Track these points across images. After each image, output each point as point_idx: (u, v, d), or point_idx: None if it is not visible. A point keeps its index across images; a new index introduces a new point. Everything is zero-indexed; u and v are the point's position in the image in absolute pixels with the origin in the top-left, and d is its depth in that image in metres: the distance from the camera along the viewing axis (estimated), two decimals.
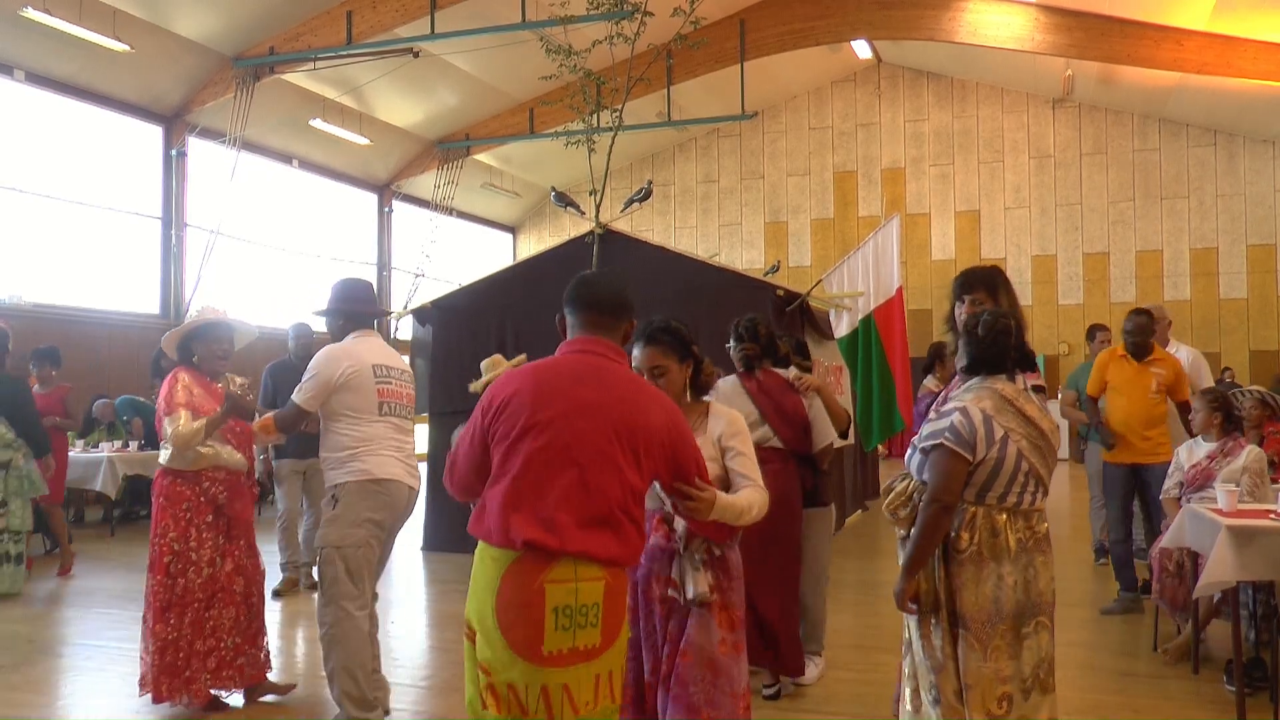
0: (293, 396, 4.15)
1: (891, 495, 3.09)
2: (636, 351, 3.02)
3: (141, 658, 4.47)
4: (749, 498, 2.84)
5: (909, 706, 3.09)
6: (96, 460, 9.56)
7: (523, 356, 5.24)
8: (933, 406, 3.25)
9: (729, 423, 3.02)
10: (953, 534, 2.95)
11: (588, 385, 2.49)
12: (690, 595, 2.93)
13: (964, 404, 2.98)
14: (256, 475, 5.05)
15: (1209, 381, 6.12)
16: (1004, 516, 2.94)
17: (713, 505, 2.64)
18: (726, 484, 2.96)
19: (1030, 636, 2.94)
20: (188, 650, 4.35)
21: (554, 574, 2.34)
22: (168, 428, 4.36)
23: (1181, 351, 6.29)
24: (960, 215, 20.67)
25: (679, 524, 2.97)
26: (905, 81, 21.06)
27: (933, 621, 2.99)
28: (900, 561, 3.03)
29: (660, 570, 3.02)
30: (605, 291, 2.64)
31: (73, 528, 9.78)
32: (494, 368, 4.96)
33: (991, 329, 2.99)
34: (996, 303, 3.34)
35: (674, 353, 2.99)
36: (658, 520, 3.02)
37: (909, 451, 3.18)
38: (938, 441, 2.94)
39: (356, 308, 4.34)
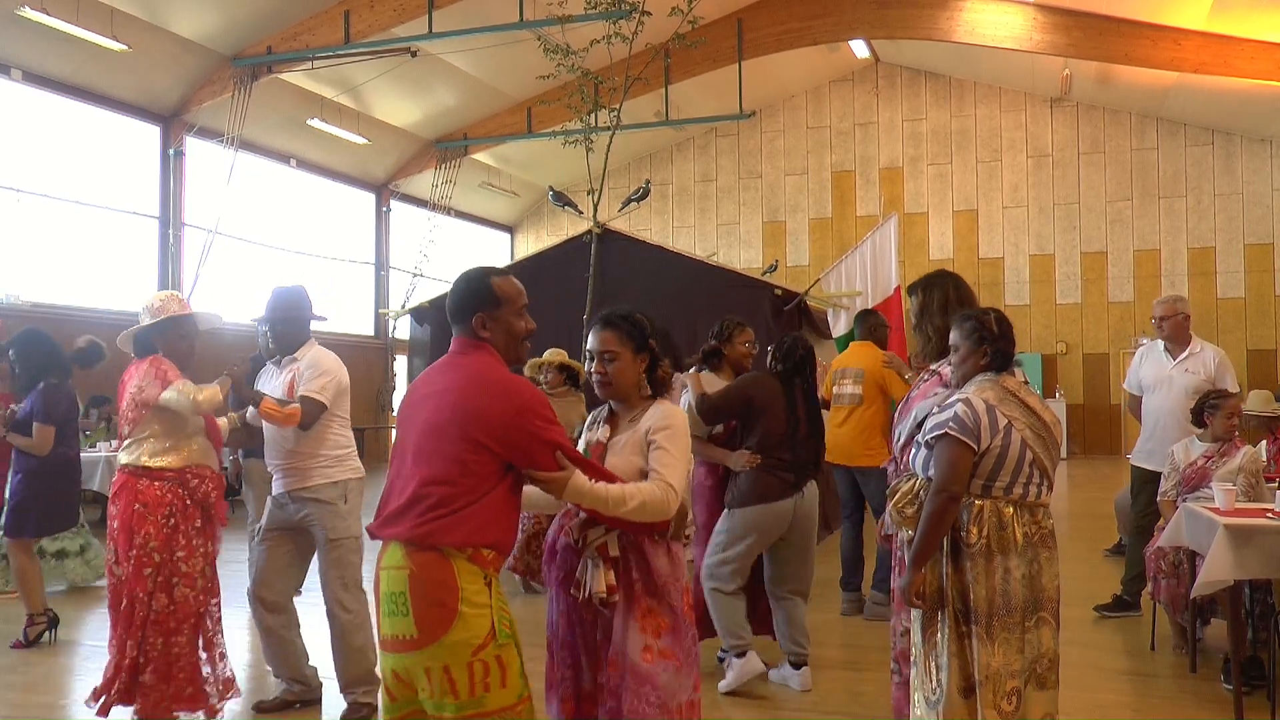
0: (312, 394, 4.28)
1: (898, 495, 3.10)
2: (591, 335, 2.92)
3: (109, 676, 4.05)
4: (631, 488, 2.64)
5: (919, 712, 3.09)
6: (94, 460, 9.53)
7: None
8: (900, 410, 3.34)
9: (659, 416, 2.82)
10: (961, 530, 2.97)
11: (434, 384, 2.66)
12: (588, 593, 2.74)
13: (967, 395, 3.03)
14: (226, 478, 4.92)
15: (1233, 385, 5.90)
16: (1011, 509, 2.98)
17: (564, 487, 2.56)
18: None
19: (1031, 631, 2.96)
20: (189, 670, 4.06)
21: (383, 561, 2.53)
22: (175, 395, 4.00)
23: (1207, 350, 6.03)
24: (958, 215, 20.67)
25: (579, 521, 2.81)
26: (903, 81, 21.06)
27: (939, 619, 3.00)
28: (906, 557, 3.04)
29: (574, 572, 2.84)
30: (450, 296, 2.74)
31: None
32: None
33: (1007, 325, 3.13)
34: (926, 301, 3.63)
35: (630, 341, 2.85)
36: (566, 515, 2.89)
37: (913, 450, 3.19)
38: (942, 432, 2.98)
39: (315, 316, 4.55)
